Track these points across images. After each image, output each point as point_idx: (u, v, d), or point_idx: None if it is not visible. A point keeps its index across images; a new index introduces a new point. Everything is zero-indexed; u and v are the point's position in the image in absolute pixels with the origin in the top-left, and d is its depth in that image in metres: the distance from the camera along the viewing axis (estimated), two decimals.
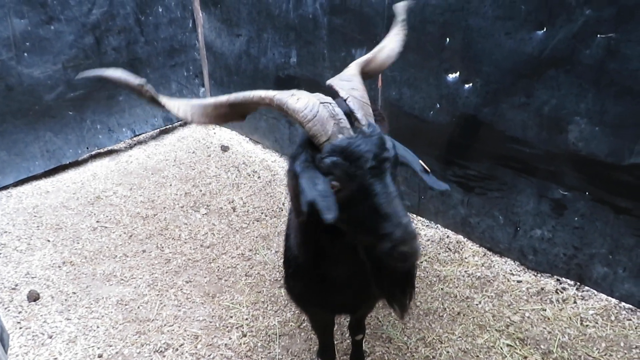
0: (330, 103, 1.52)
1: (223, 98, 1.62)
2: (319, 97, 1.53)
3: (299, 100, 1.50)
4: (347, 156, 1.42)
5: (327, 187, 1.43)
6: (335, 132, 1.47)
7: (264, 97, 1.56)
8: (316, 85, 4.27)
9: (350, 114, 1.53)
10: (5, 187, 4.57)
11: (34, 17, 4.35)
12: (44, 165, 4.79)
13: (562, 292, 3.19)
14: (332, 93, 1.61)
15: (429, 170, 1.63)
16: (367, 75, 1.87)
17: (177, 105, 1.64)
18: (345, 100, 1.55)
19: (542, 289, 3.23)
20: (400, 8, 2.13)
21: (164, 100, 1.64)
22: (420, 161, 1.64)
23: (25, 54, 4.38)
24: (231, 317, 3.12)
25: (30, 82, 4.48)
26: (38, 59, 4.47)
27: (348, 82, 1.62)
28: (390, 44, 1.94)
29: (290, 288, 2.09)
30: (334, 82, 1.63)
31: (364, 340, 2.71)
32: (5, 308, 3.19)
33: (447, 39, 3.32)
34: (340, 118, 1.49)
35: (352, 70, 1.74)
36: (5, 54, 4.25)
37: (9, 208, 4.30)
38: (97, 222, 4.10)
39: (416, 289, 3.25)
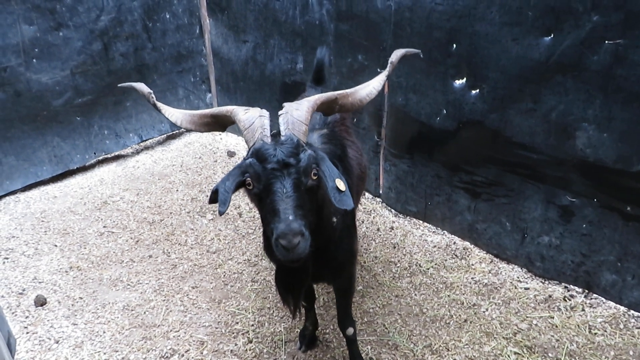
0: (263, 116, 1.82)
1: (207, 110, 2.01)
2: (261, 111, 1.85)
3: (246, 113, 1.83)
4: (259, 157, 1.73)
5: (232, 186, 1.75)
6: (259, 139, 1.77)
7: (228, 110, 1.90)
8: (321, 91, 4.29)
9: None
10: (14, 192, 4.60)
11: (43, 24, 4.39)
12: (52, 170, 4.82)
13: (570, 300, 3.16)
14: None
15: (343, 189, 1.80)
16: (344, 108, 2.07)
17: (172, 113, 2.04)
18: (279, 116, 1.83)
19: (550, 296, 3.20)
20: (397, 54, 2.27)
21: (163, 107, 2.06)
22: (339, 180, 1.80)
23: (34, 60, 4.42)
24: (237, 323, 3.11)
25: (39, 87, 4.51)
26: (46, 64, 4.51)
27: (296, 104, 1.88)
28: (374, 83, 2.13)
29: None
30: (286, 104, 1.88)
31: (356, 335, 2.71)
32: (13, 313, 3.20)
33: (454, 45, 3.32)
34: (265, 127, 1.79)
35: (310, 99, 1.94)
36: (14, 60, 4.29)
37: (17, 213, 4.33)
38: (104, 227, 4.12)
39: (422, 296, 3.25)
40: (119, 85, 2.47)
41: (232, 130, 5.80)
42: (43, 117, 4.62)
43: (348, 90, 2.06)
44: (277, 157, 1.69)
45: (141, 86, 2.16)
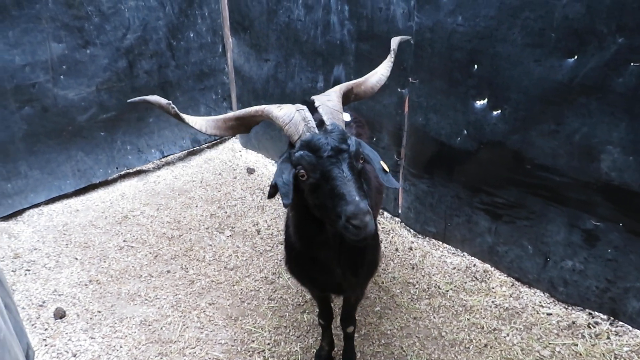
0: (303, 110, 1.88)
1: (231, 113, 2.05)
2: (297, 106, 1.90)
3: (281, 110, 1.88)
4: (311, 148, 1.77)
5: (290, 177, 1.79)
6: (304, 132, 1.83)
7: (258, 110, 1.95)
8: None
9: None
10: (37, 205, 4.69)
11: (71, 42, 4.51)
12: (75, 184, 4.90)
13: (594, 327, 3.07)
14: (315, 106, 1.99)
15: (387, 170, 1.99)
16: (358, 96, 2.26)
17: (194, 120, 2.04)
18: (317, 108, 1.91)
19: (574, 322, 3.12)
20: (395, 41, 2.58)
21: (185, 116, 2.03)
22: (382, 162, 1.98)
23: (62, 77, 4.53)
24: (253, 341, 3.09)
25: (65, 103, 4.62)
26: (73, 81, 4.62)
27: (326, 96, 2.01)
28: (381, 70, 2.40)
29: (290, 268, 2.46)
30: (315, 97, 1.99)
31: (354, 333, 2.77)
32: (32, 325, 3.24)
33: (475, 66, 3.31)
34: (309, 120, 1.85)
35: (334, 88, 2.10)
36: (42, 77, 4.41)
37: (40, 225, 4.40)
38: (124, 241, 4.16)
39: (441, 319, 3.19)
40: (129, 101, 2.23)
41: (252, 147, 5.85)
42: (68, 132, 4.72)
43: (360, 80, 2.28)
44: (331, 145, 1.76)
45: (156, 98, 2.07)
